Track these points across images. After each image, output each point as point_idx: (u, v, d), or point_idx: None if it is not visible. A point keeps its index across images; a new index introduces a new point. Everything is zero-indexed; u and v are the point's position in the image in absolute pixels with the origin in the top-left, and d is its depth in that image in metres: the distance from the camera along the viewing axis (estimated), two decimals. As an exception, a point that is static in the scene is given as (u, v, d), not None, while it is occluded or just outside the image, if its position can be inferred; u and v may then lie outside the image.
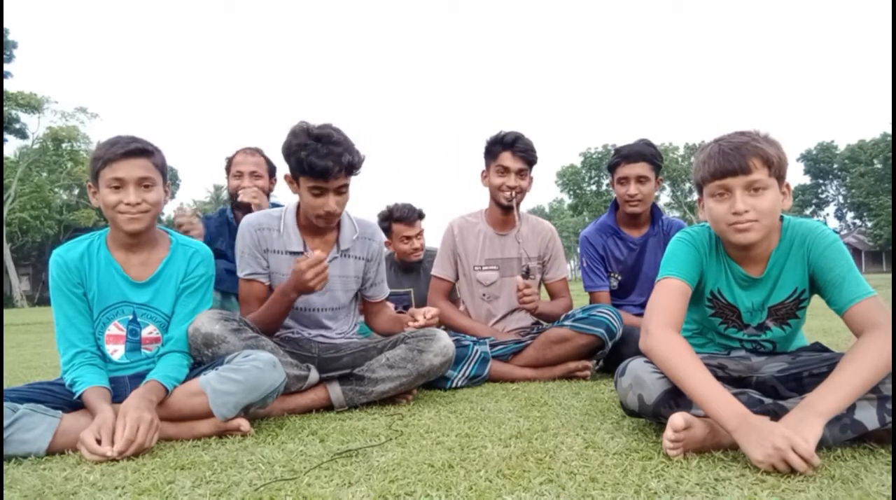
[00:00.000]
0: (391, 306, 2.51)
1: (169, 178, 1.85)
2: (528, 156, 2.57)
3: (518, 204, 2.63)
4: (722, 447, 1.32)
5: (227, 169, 3.01)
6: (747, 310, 1.62)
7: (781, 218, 1.56)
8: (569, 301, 2.77)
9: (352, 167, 1.95)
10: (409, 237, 3.31)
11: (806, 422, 1.20)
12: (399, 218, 3.31)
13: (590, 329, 2.39)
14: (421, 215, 3.38)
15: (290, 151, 1.94)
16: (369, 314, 2.40)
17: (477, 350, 2.42)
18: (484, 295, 2.72)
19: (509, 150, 2.56)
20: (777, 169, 1.44)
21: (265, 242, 2.09)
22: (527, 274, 2.58)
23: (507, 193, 2.58)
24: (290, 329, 2.18)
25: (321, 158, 1.88)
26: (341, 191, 1.99)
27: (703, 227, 1.64)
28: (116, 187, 1.69)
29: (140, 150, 1.70)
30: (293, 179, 2.01)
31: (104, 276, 1.76)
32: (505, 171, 2.57)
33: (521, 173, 2.58)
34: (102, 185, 1.70)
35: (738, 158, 1.42)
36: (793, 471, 1.15)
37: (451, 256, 2.75)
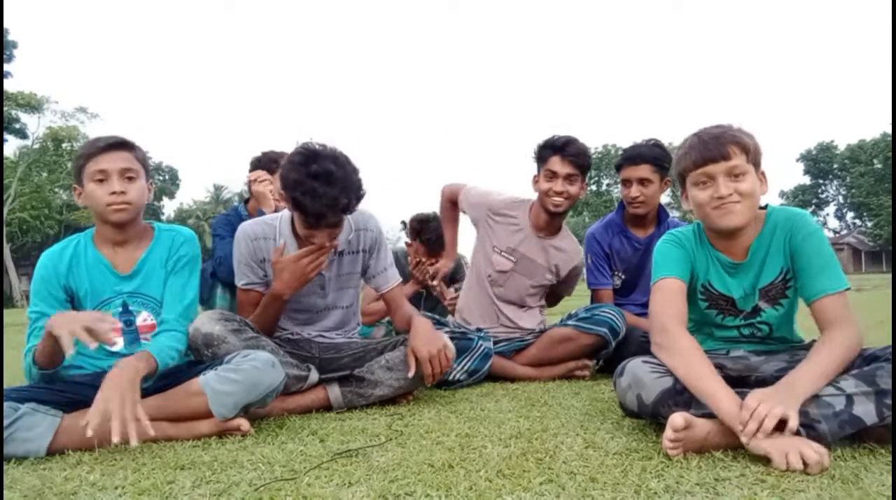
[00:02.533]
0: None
1: (150, 174, 1.85)
2: (578, 160, 2.45)
3: (566, 211, 2.54)
4: (722, 447, 1.32)
5: (271, 168, 2.78)
6: (740, 297, 1.65)
7: (766, 207, 1.62)
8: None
9: (347, 210, 1.86)
10: (422, 263, 3.11)
11: (786, 403, 1.26)
12: (424, 240, 3.15)
13: (593, 329, 2.41)
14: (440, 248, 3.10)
15: (285, 183, 1.84)
16: (389, 310, 2.30)
17: (481, 345, 2.42)
18: (489, 277, 2.63)
19: (559, 154, 2.45)
20: (753, 156, 1.53)
21: (261, 251, 2.06)
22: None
23: (556, 199, 2.47)
24: (289, 330, 2.18)
25: (315, 201, 1.78)
26: (334, 227, 1.93)
27: (687, 227, 1.72)
28: (101, 180, 1.72)
29: (121, 143, 1.75)
30: (286, 201, 1.92)
31: (94, 272, 1.79)
32: (553, 176, 2.46)
33: (569, 178, 2.45)
34: (87, 180, 1.73)
35: (718, 146, 1.50)
36: (792, 469, 1.16)
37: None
